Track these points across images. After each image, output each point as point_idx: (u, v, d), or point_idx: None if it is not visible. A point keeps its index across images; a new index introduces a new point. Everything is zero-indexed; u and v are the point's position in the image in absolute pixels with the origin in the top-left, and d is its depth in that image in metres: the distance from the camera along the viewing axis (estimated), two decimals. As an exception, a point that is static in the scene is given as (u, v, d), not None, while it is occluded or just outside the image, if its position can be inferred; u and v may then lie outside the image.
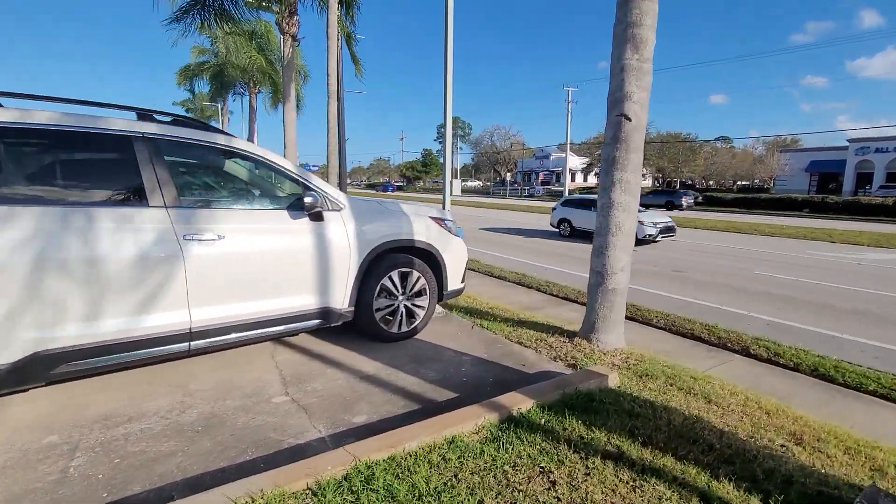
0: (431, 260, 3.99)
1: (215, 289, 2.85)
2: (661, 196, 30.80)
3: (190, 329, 2.78)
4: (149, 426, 2.51)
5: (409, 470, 1.99)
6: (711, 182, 58.13)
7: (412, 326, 3.92)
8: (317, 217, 3.25)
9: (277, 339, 3.75)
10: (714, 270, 8.92)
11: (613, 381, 2.95)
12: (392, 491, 1.86)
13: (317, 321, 3.35)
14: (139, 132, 2.71)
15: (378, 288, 3.63)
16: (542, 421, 2.41)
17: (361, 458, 2.00)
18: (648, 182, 61.89)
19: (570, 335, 3.98)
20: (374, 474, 1.94)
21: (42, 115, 2.47)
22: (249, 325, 3.02)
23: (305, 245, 3.19)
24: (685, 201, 29.59)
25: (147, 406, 2.72)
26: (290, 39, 13.13)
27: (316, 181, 3.38)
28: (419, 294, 3.93)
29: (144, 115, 2.83)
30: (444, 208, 6.58)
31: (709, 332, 5.54)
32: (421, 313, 3.95)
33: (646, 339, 4.40)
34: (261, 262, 3.01)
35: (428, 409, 2.71)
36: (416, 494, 1.85)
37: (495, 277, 7.70)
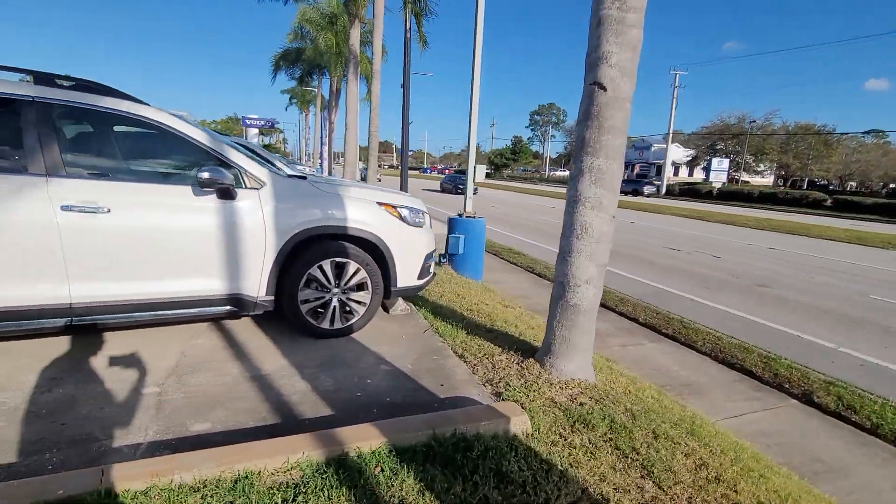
0: (376, 251, 3.52)
1: (99, 265, 2.70)
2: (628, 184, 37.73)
3: (70, 304, 2.67)
4: (3, 401, 2.43)
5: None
6: (853, 183, 49.08)
7: (348, 324, 3.51)
8: (225, 195, 2.96)
9: (195, 321, 3.58)
10: (841, 298, 7.23)
11: (521, 424, 2.27)
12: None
13: (226, 307, 3.09)
14: (29, 95, 2.60)
15: (305, 278, 3.27)
16: (379, 470, 1.87)
17: (118, 483, 1.67)
18: (769, 180, 53.90)
19: (528, 354, 3.28)
20: (117, 507, 1.59)
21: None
22: (141, 306, 2.84)
23: (209, 225, 2.92)
24: (647, 189, 38.82)
25: (20, 378, 2.65)
26: (356, 21, 13.21)
27: (233, 156, 3.08)
28: (358, 288, 3.50)
29: (42, 78, 2.73)
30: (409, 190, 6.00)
31: (765, 365, 4.46)
32: (360, 309, 3.53)
33: (669, 364, 3.54)
34: (154, 240, 2.80)
35: (285, 427, 2.31)
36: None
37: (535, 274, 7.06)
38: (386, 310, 4.17)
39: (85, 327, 2.78)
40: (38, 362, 2.84)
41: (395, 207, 3.61)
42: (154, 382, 2.70)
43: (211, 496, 1.68)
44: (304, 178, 3.50)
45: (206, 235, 2.92)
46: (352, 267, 3.42)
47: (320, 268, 3.32)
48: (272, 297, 3.20)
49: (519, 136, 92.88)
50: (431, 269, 4.05)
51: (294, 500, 1.70)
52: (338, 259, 3.37)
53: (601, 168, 2.74)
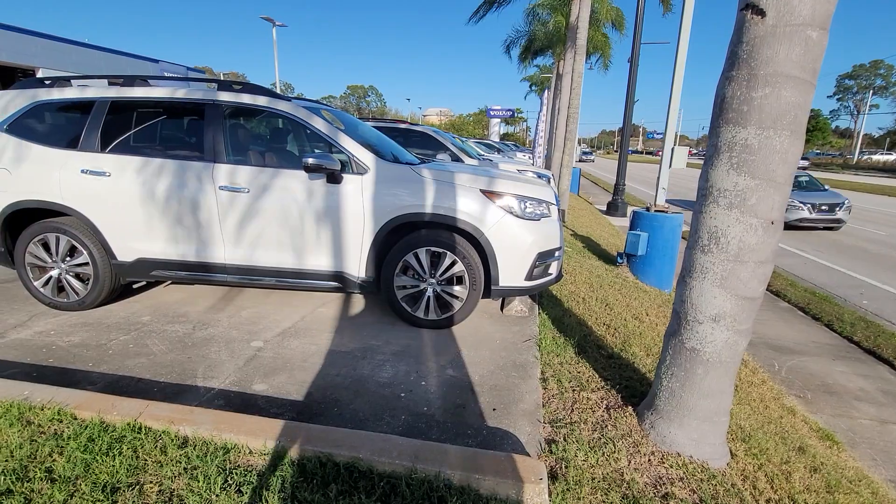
0: (476, 243, 3.21)
1: (241, 235, 3.30)
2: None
3: (225, 264, 3.36)
4: (177, 331, 3.25)
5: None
6: None
7: (444, 315, 3.33)
8: (332, 179, 3.17)
9: (314, 290, 3.98)
10: None
11: (535, 498, 1.66)
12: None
13: (332, 283, 3.35)
14: (212, 99, 3.34)
15: (401, 264, 3.26)
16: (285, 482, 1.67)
17: (148, 420, 1.99)
18: None
19: (632, 401, 2.43)
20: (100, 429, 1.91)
21: (159, 91, 3.41)
22: (268, 272, 3.35)
23: (318, 206, 3.19)
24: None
25: (205, 317, 3.51)
26: (578, -6, 12.28)
27: (345, 142, 3.26)
28: (456, 281, 3.27)
29: (223, 85, 3.45)
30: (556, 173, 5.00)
31: None
32: (456, 304, 3.30)
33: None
34: (277, 217, 3.24)
35: (310, 407, 2.35)
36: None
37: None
38: (502, 308, 3.80)
39: (237, 284, 3.47)
40: (210, 304, 3.72)
41: (500, 196, 3.19)
42: (263, 339, 3.17)
43: (192, 457, 1.83)
44: (412, 163, 3.45)
45: (317, 215, 3.21)
46: (448, 258, 3.21)
47: (416, 256, 3.23)
48: (372, 279, 3.31)
49: (816, 109, 70.80)
50: (553, 271, 3.45)
51: (239, 488, 1.69)
52: (434, 248, 3.21)
53: (748, 144, 1.71)
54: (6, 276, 4.35)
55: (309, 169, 3.08)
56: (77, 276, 3.52)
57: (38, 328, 3.26)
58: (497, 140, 31.26)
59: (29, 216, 3.49)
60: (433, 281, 3.28)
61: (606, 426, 2.22)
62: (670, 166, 5.84)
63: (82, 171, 3.31)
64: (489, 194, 3.19)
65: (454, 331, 3.36)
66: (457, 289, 3.28)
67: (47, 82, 3.58)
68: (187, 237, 3.34)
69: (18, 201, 3.37)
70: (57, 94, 3.47)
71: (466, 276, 3.23)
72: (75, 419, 1.98)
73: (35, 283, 3.54)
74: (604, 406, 2.40)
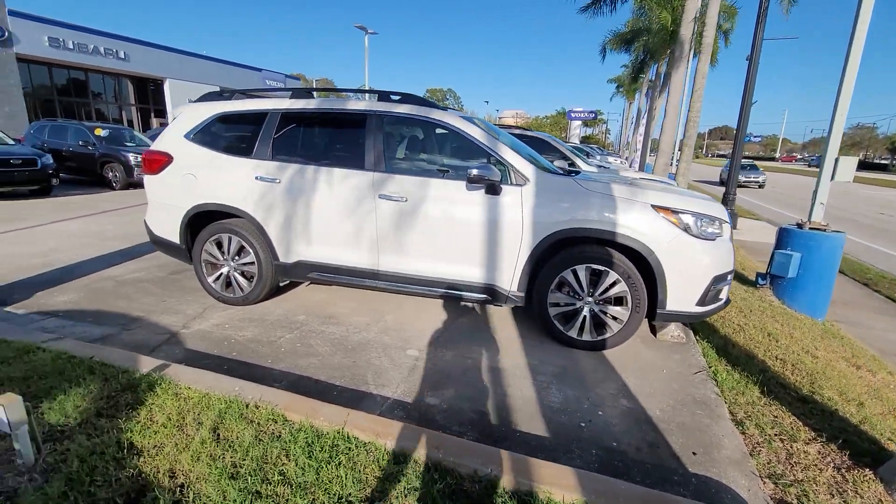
0: (643, 263, 2.98)
1: (396, 243, 3.35)
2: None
3: (377, 271, 3.44)
4: (335, 333, 3.39)
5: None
6: None
7: (599, 337, 3.15)
8: (491, 190, 3.11)
9: (458, 299, 3.95)
10: None
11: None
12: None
13: (482, 296, 3.30)
14: (373, 110, 3.43)
15: (557, 280, 3.12)
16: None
17: (352, 425, 2.04)
18: None
19: (863, 459, 2.08)
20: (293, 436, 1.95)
21: (324, 103, 3.58)
22: (419, 280, 3.38)
23: (475, 217, 3.15)
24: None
25: (351, 320, 3.64)
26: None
27: (504, 152, 3.19)
28: (616, 301, 3.07)
29: (382, 95, 3.54)
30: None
31: None
32: (614, 325, 3.10)
33: None
34: (433, 227, 3.25)
35: (493, 430, 2.28)
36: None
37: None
38: (653, 332, 3.53)
39: (384, 290, 3.54)
40: (354, 307, 3.84)
41: (675, 213, 2.94)
42: (417, 347, 3.19)
43: (410, 476, 1.83)
44: (571, 174, 3.31)
45: (473, 227, 3.17)
46: (609, 277, 3.02)
47: (574, 272, 3.08)
48: (523, 294, 3.21)
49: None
50: (724, 296, 3.13)
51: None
52: (594, 266, 3.04)
53: None
54: (176, 268, 4.85)
55: (471, 180, 3.04)
56: (243, 274, 3.80)
57: (214, 320, 3.56)
58: (578, 143, 30.18)
59: (205, 218, 3.83)
60: (591, 300, 3.11)
61: (846, 491, 1.91)
62: (833, 178, 5.12)
63: (256, 178, 3.55)
64: (662, 210, 2.95)
65: (609, 355, 3.16)
66: (617, 310, 3.08)
67: (225, 94, 3.92)
68: (345, 243, 3.47)
69: (201, 204, 3.70)
70: (234, 105, 3.78)
71: (629, 296, 3.01)
72: (287, 421, 2.07)
73: (208, 279, 3.88)
74: (830, 464, 2.08)
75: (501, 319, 3.74)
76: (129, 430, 1.96)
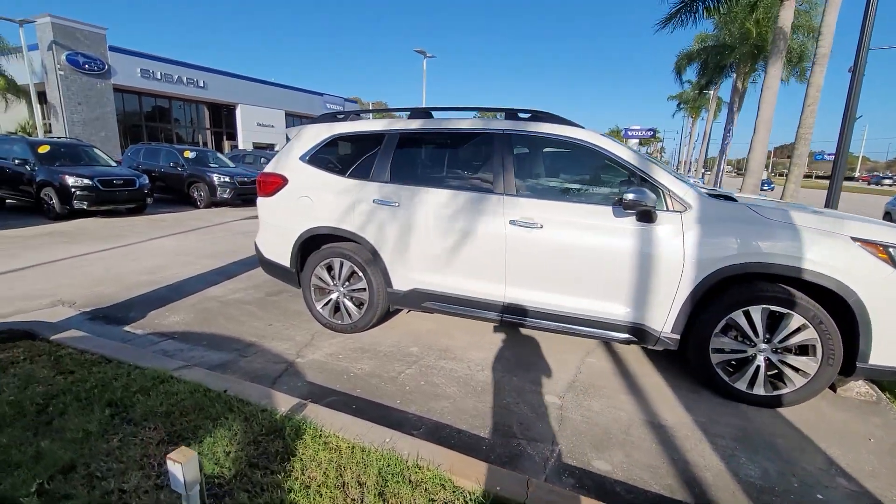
0: (839, 307, 2.49)
1: (527, 274, 3.05)
2: None
3: (504, 303, 3.15)
4: (456, 370, 3.12)
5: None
6: None
7: (774, 393, 2.66)
8: (645, 217, 2.75)
9: (591, 338, 3.56)
10: None
11: None
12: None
13: (625, 335, 2.91)
14: (500, 129, 3.20)
15: (723, 322, 2.69)
16: None
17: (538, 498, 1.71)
18: None
19: None
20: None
21: (446, 123, 3.39)
22: (552, 316, 3.04)
23: (623, 247, 2.79)
24: None
25: (469, 354, 3.36)
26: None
27: (659, 175, 2.83)
28: (799, 351, 2.59)
29: (510, 114, 3.29)
30: None
31: None
32: (797, 380, 2.61)
33: None
34: (572, 257, 2.92)
35: (697, 511, 1.87)
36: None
37: None
38: (833, 388, 2.97)
39: (507, 323, 3.24)
40: (468, 340, 3.55)
41: (886, 248, 2.44)
42: (555, 392, 2.84)
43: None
44: (733, 199, 2.89)
45: (620, 259, 2.81)
46: (793, 321, 2.55)
47: (746, 314, 2.63)
48: (677, 336, 2.79)
49: None
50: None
51: None
52: (773, 307, 2.58)
53: None
54: (271, 290, 4.80)
55: (627, 206, 2.70)
56: (353, 300, 3.63)
57: (326, 349, 3.39)
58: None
59: (316, 241, 3.72)
60: (766, 347, 2.64)
61: None
62: None
63: (374, 202, 3.40)
64: (867, 244, 2.46)
65: (788, 415, 2.66)
66: (801, 360, 2.59)
67: (339, 116, 3.84)
68: (468, 272, 3.21)
69: (315, 227, 3.59)
70: (350, 127, 3.68)
71: (819, 345, 2.52)
72: (457, 488, 1.78)
73: (316, 304, 3.74)
74: None
75: (637, 362, 3.32)
76: (291, 488, 1.73)
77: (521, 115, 3.28)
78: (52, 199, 8.72)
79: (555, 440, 2.33)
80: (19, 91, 20.47)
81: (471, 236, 3.14)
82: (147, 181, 9.98)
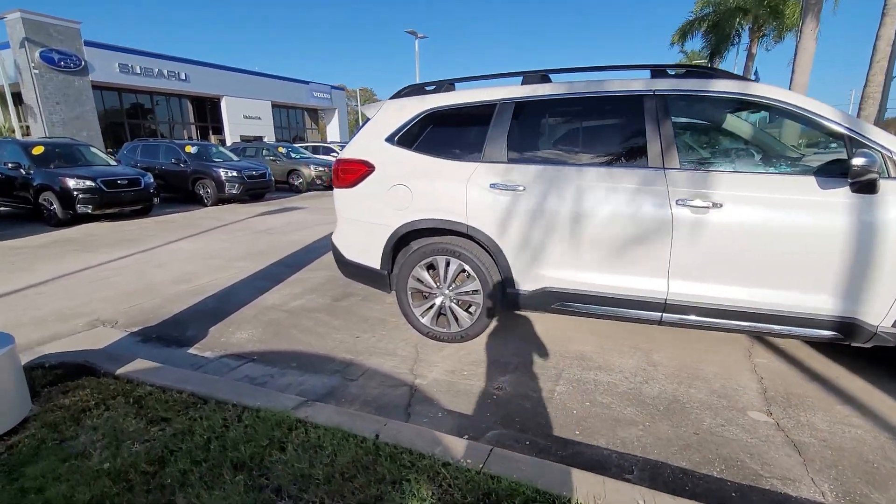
0: None
1: (699, 264, 2.52)
2: None
3: (665, 300, 2.62)
4: (613, 382, 2.60)
5: None
6: None
7: None
8: (866, 188, 2.23)
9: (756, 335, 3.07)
10: None
11: None
12: None
13: (829, 333, 2.41)
14: (650, 90, 2.63)
15: (963, 311, 2.20)
16: None
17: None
18: None
19: None
20: None
21: (578, 85, 2.81)
22: (732, 313, 2.52)
23: (835, 225, 2.27)
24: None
25: (613, 360, 2.85)
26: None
27: (876, 135, 2.30)
28: None
29: (657, 71, 2.73)
30: None
31: None
32: None
33: None
34: (762, 241, 2.39)
35: None
36: None
37: None
38: None
39: (667, 322, 2.72)
40: (598, 342, 3.04)
41: None
42: (755, 406, 2.34)
43: None
44: None
45: (829, 239, 2.30)
46: None
47: None
48: (899, 330, 2.30)
49: None
50: None
51: None
52: None
53: None
54: (336, 294, 4.22)
55: (854, 174, 2.17)
56: (461, 304, 3.08)
57: (443, 365, 2.85)
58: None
59: (410, 237, 3.15)
60: None
61: None
62: None
63: (491, 186, 2.82)
64: None
65: None
66: None
67: (428, 86, 3.23)
68: (618, 265, 2.67)
69: (416, 220, 3.01)
70: (449, 98, 3.07)
71: None
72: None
73: (415, 311, 3.19)
74: None
75: (812, 359, 2.84)
76: None
77: (670, 71, 2.72)
78: (52, 205, 7.94)
79: (814, 479, 1.84)
80: (-8, 92, 19.18)
81: (621, 222, 2.59)
82: (152, 180, 9.20)
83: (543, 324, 3.43)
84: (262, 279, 4.88)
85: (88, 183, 8.00)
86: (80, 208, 7.95)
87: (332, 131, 38.29)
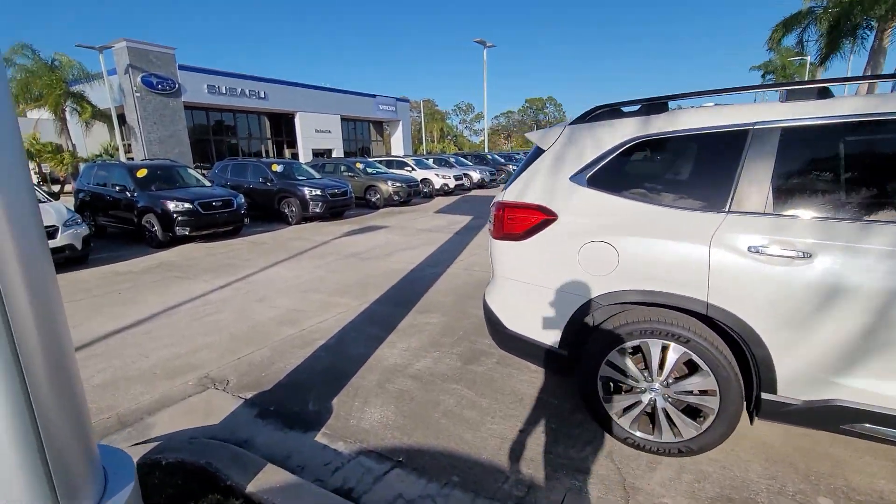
0: None
1: None
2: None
3: None
4: None
5: None
6: None
7: None
8: None
9: None
10: None
11: None
12: None
13: None
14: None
15: None
16: None
17: None
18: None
19: None
20: None
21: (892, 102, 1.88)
22: None
23: None
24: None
25: None
26: None
27: None
28: None
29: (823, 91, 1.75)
30: None
31: None
32: None
33: None
34: None
35: None
36: None
37: None
38: None
39: None
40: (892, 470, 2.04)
41: None
42: None
43: None
44: None
45: None
46: None
47: None
48: None
49: None
50: None
51: None
52: None
53: None
54: (465, 354, 3.48)
55: None
56: (676, 405, 2.23)
57: (668, 496, 2.00)
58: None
59: (607, 309, 2.34)
60: None
61: None
62: None
63: (750, 249, 1.96)
64: None
65: None
66: None
67: (629, 108, 2.43)
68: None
69: (623, 291, 2.20)
70: (666, 123, 2.25)
71: None
72: None
73: (607, 407, 2.37)
74: None
75: None
76: None
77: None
78: (154, 227, 8.01)
79: None
80: (101, 115, 20.97)
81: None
82: (243, 201, 9.16)
83: (772, 427, 2.48)
84: (370, 324, 4.31)
85: (186, 205, 8.00)
86: (179, 230, 7.96)
87: (396, 143, 38.69)
